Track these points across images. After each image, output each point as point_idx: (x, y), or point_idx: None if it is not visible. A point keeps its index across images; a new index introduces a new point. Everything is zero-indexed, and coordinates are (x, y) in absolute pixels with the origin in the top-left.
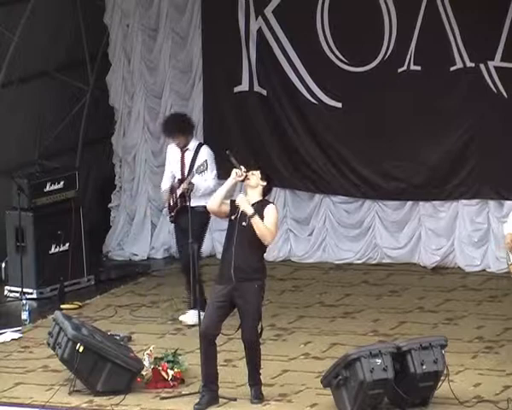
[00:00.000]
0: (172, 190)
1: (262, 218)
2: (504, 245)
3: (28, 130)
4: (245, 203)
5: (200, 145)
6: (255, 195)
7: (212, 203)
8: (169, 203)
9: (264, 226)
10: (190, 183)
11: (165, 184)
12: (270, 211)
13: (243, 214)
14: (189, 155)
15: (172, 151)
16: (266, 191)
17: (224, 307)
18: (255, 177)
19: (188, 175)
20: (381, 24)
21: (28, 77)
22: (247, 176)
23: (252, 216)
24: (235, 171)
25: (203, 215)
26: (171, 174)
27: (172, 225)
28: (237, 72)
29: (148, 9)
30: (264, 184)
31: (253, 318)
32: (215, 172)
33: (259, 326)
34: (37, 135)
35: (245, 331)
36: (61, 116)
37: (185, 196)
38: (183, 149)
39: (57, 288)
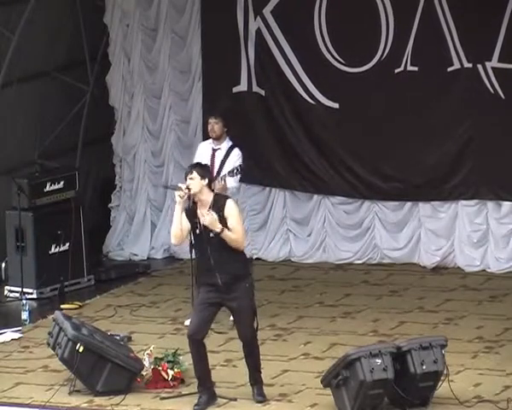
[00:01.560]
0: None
1: (224, 217)
2: None
3: (28, 130)
4: (213, 224)
5: (232, 147)
6: (206, 195)
7: (178, 239)
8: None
9: (234, 236)
10: (224, 182)
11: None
12: (230, 211)
13: (206, 226)
14: (219, 155)
15: (203, 150)
16: (211, 185)
17: (210, 309)
18: (195, 181)
19: (217, 175)
20: (378, 24)
21: (28, 77)
22: (188, 188)
23: (221, 233)
24: (177, 194)
25: None
26: None
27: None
28: (236, 72)
29: (148, 9)
30: (206, 181)
31: (248, 316)
32: (239, 175)
33: (255, 322)
34: (37, 135)
35: (242, 331)
36: (60, 116)
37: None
38: (216, 147)
39: (57, 288)
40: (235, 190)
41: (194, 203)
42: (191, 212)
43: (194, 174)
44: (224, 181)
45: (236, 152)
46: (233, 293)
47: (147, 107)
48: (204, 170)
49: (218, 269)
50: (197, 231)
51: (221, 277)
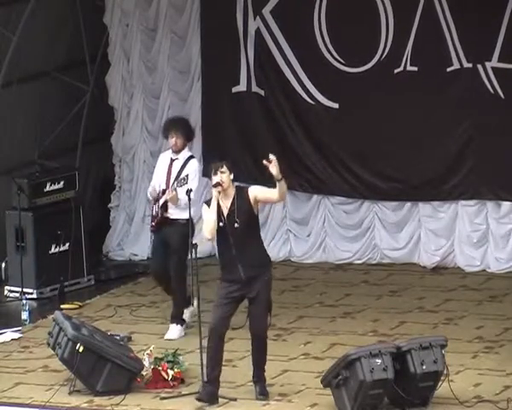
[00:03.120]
0: (155, 200)
1: (248, 206)
2: None
3: (28, 130)
4: (275, 169)
5: (189, 158)
6: (231, 189)
7: (212, 233)
8: (152, 213)
9: (285, 186)
10: (175, 192)
11: (152, 193)
12: (254, 189)
13: (230, 217)
14: (176, 166)
15: (161, 162)
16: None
17: (232, 303)
18: (226, 175)
19: (172, 185)
20: (377, 24)
21: (28, 77)
22: (222, 182)
23: (280, 180)
24: (215, 190)
25: (185, 227)
26: (158, 184)
27: None
28: (235, 72)
29: (147, 9)
30: (232, 176)
31: (263, 309)
32: (196, 185)
33: (268, 320)
34: (37, 135)
35: (255, 322)
36: (60, 116)
37: (166, 206)
38: (174, 157)
39: (57, 288)
40: (183, 204)
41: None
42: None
43: (225, 168)
44: (176, 191)
45: (192, 163)
46: (254, 285)
47: (146, 107)
48: (231, 165)
49: (241, 260)
50: (220, 224)
51: (243, 270)
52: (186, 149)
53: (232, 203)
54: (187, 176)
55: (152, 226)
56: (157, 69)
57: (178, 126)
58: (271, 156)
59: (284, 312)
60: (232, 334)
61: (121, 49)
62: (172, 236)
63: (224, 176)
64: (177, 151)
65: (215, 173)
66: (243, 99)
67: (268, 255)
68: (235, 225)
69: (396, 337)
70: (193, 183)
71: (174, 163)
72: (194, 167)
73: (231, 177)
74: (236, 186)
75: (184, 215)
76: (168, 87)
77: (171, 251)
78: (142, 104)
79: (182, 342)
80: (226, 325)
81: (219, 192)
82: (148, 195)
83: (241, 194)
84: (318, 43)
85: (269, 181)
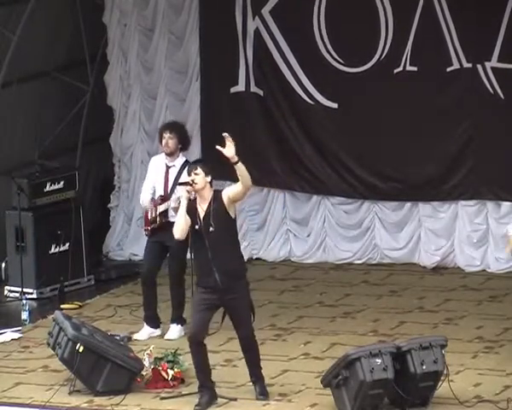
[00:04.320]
0: (153, 204)
1: (224, 209)
2: (509, 249)
3: (28, 130)
4: (230, 150)
5: (186, 163)
6: (208, 192)
7: (182, 234)
8: (146, 217)
9: (245, 170)
10: (178, 200)
11: (146, 198)
12: (227, 188)
13: (206, 220)
14: (173, 172)
15: (156, 165)
16: (212, 183)
17: (209, 309)
18: (200, 177)
19: (171, 192)
20: (377, 24)
21: (28, 77)
22: (194, 182)
23: (236, 162)
24: (185, 189)
25: None
26: (151, 189)
27: None
28: (234, 72)
29: (145, 9)
30: (209, 178)
31: (247, 315)
32: None
33: (252, 318)
34: (37, 135)
35: (242, 330)
36: (60, 116)
37: (166, 212)
38: (170, 164)
39: (57, 288)
40: None
41: (194, 200)
42: (191, 207)
43: (199, 170)
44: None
45: None
46: (232, 293)
47: (143, 107)
48: (208, 167)
49: (217, 265)
50: (196, 227)
51: (219, 276)
52: (181, 155)
53: (208, 206)
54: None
55: (147, 230)
56: (154, 69)
57: (173, 128)
58: (225, 134)
59: (284, 312)
60: (232, 334)
61: (119, 48)
62: (171, 239)
63: (197, 177)
64: (170, 154)
65: (189, 174)
66: (242, 99)
67: (243, 262)
68: (210, 228)
69: (396, 337)
70: None
71: (170, 170)
72: None
73: (208, 179)
74: (214, 190)
75: None
76: (165, 87)
77: (171, 254)
78: (139, 104)
79: (182, 342)
80: (204, 331)
81: (188, 191)
82: (141, 202)
83: (217, 197)
84: (318, 43)
85: (269, 185)
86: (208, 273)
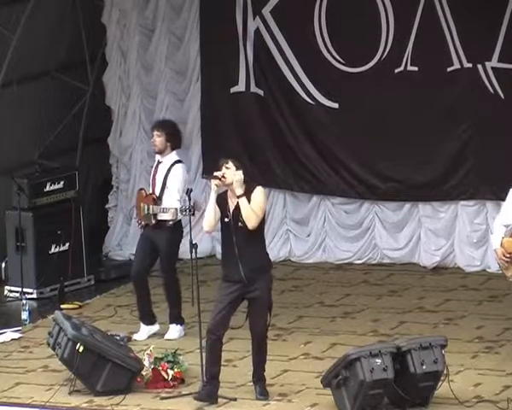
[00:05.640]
0: (146, 200)
1: (250, 198)
2: (497, 260)
3: (28, 130)
4: (238, 182)
5: (174, 163)
6: (238, 189)
7: (210, 226)
8: (138, 207)
9: (249, 208)
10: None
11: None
12: (256, 194)
13: (236, 214)
14: (161, 171)
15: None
16: (245, 177)
17: (232, 304)
18: (230, 171)
19: (161, 191)
20: (378, 24)
21: (28, 77)
22: (224, 177)
23: (240, 196)
24: (214, 182)
25: (173, 231)
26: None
27: None
28: (234, 72)
29: (145, 9)
30: (241, 172)
31: (264, 309)
32: (180, 193)
33: (268, 320)
34: (37, 135)
35: (255, 322)
36: (60, 116)
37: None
38: (160, 160)
39: (57, 288)
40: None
41: (225, 192)
42: (222, 200)
43: (230, 164)
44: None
45: (178, 170)
46: (254, 286)
47: (143, 107)
48: (239, 162)
49: (242, 260)
50: (225, 220)
51: (245, 271)
52: (174, 153)
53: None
54: (192, 208)
55: (140, 223)
56: (154, 69)
57: (160, 126)
58: (218, 174)
59: (284, 312)
60: (232, 334)
61: (118, 49)
62: (160, 239)
63: (227, 171)
64: (158, 152)
65: (220, 168)
66: (242, 99)
67: (269, 258)
68: (239, 224)
69: (396, 337)
70: (174, 192)
71: (159, 167)
72: (177, 177)
73: (240, 175)
74: (247, 184)
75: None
76: (165, 87)
77: (163, 255)
78: (139, 104)
79: (182, 342)
80: (224, 326)
81: (216, 185)
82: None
83: (248, 194)
84: (318, 42)
85: (269, 185)
86: (233, 268)
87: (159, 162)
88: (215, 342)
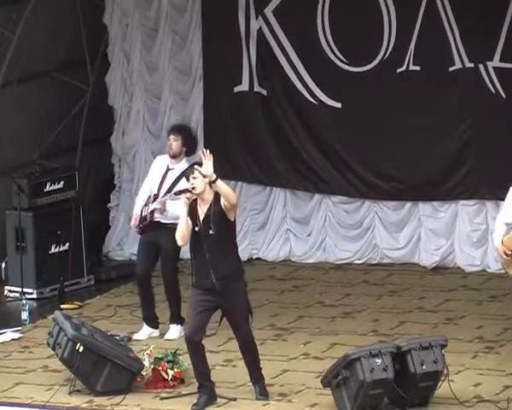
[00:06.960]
0: (146, 202)
1: (222, 213)
2: (498, 258)
3: (28, 130)
4: (208, 168)
5: (186, 170)
6: (208, 194)
7: (183, 239)
8: (141, 215)
9: (227, 187)
10: (164, 204)
11: (142, 196)
12: (220, 183)
13: (206, 222)
14: (171, 176)
15: (159, 165)
16: (211, 184)
17: (207, 311)
18: (198, 180)
19: (165, 195)
20: (380, 24)
21: (28, 77)
22: (193, 188)
23: (215, 180)
24: (184, 196)
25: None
26: (148, 187)
27: None
28: (237, 72)
29: (148, 9)
30: (210, 163)
31: (244, 317)
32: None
33: (250, 320)
34: (37, 135)
35: (239, 331)
36: (61, 116)
37: (153, 213)
38: (171, 166)
39: (57, 288)
40: (169, 216)
41: (194, 200)
42: (191, 209)
43: (197, 173)
44: (164, 204)
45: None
46: (228, 296)
47: (147, 107)
48: (179, 132)
49: (214, 268)
50: (196, 229)
51: (216, 279)
52: (184, 160)
53: (208, 209)
54: (180, 191)
55: (138, 228)
56: (158, 69)
57: (178, 130)
58: (203, 150)
59: (284, 312)
60: (232, 334)
61: (121, 49)
62: (163, 239)
63: (195, 181)
64: (173, 156)
65: (187, 179)
66: (245, 99)
67: (240, 264)
68: (210, 231)
69: (396, 337)
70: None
71: (169, 173)
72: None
73: (206, 181)
74: (215, 192)
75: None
76: (169, 87)
77: (164, 256)
78: (143, 104)
79: (182, 342)
80: (202, 331)
81: (188, 198)
82: (136, 199)
83: (217, 200)
84: (321, 42)
85: (271, 184)
86: (205, 275)
87: (169, 168)
88: (196, 347)
